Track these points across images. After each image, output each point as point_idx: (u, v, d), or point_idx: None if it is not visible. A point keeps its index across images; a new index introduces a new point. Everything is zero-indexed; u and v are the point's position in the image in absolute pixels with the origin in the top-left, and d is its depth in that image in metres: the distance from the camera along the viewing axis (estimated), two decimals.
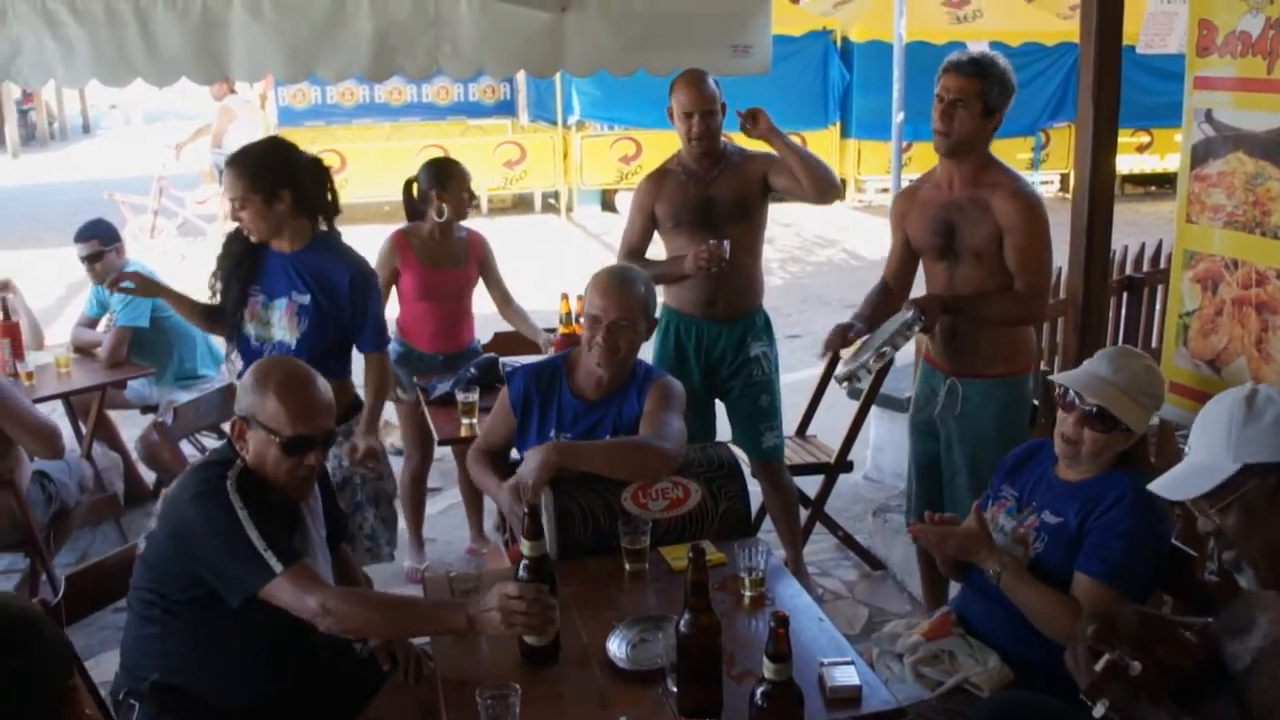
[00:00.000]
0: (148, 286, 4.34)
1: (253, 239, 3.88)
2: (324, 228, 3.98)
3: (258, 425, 2.70)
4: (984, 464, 3.74)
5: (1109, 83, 3.75)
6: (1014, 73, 3.69)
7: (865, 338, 3.92)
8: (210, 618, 2.63)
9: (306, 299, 3.85)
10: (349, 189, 14.07)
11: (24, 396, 4.60)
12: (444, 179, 4.89)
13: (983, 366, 3.83)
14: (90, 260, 5.66)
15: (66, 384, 5.45)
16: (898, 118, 11.34)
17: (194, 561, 2.63)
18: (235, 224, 3.92)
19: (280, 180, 3.77)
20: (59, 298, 10.31)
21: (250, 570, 2.56)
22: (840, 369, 3.92)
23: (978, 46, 4.32)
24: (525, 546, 2.54)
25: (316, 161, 3.97)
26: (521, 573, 2.53)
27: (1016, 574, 2.79)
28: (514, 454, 3.57)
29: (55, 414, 5.08)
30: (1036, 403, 4.02)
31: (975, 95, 3.63)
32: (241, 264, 3.92)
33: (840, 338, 3.94)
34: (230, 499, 2.61)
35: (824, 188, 4.40)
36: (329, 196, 3.98)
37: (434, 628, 2.67)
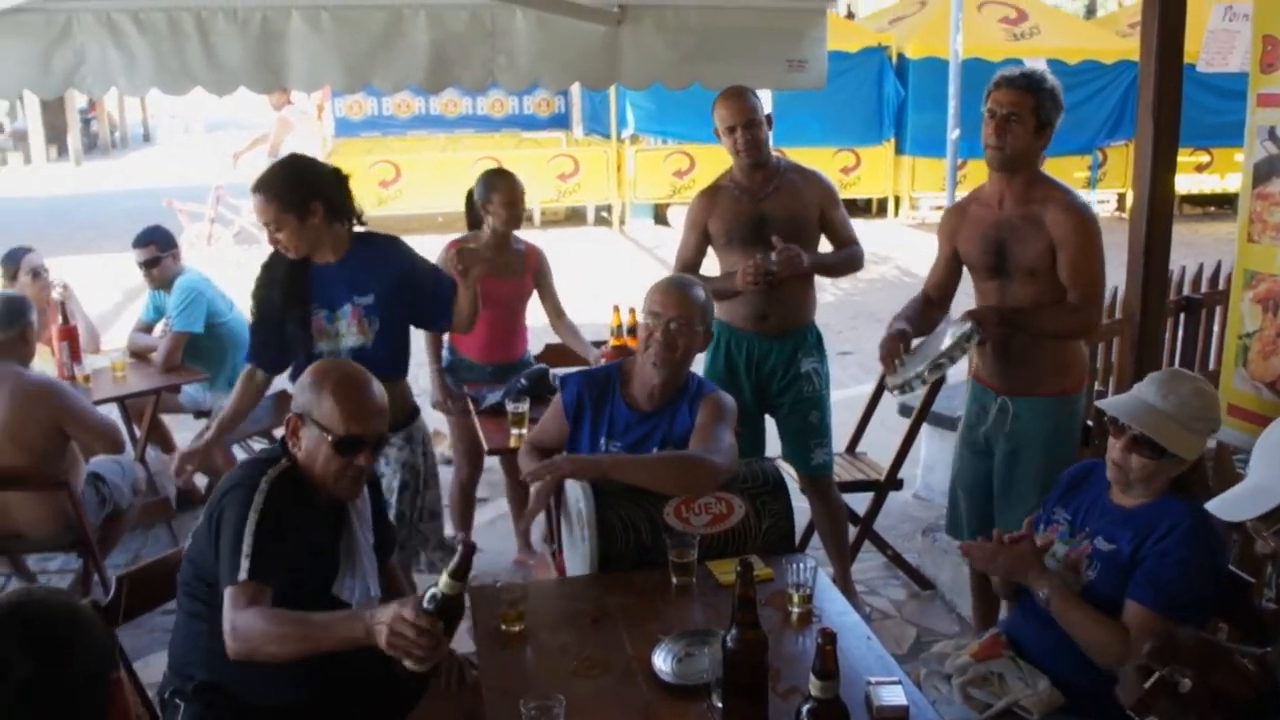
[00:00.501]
0: None
1: (293, 257, 3.82)
2: (358, 230, 3.92)
3: (312, 423, 2.74)
4: (1034, 483, 3.70)
5: (1169, 101, 3.71)
6: (1063, 89, 3.66)
7: (917, 344, 3.89)
8: None
9: (370, 299, 3.82)
10: (403, 200, 14.24)
11: (84, 398, 4.69)
12: (495, 190, 4.92)
13: (1035, 384, 3.78)
14: (147, 265, 5.74)
15: (122, 388, 5.52)
16: (953, 134, 11.31)
17: (214, 545, 2.67)
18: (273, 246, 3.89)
19: (309, 194, 3.72)
20: (117, 303, 10.45)
21: (228, 568, 2.58)
22: (892, 378, 3.88)
23: (1035, 64, 4.30)
24: (444, 583, 2.34)
25: (336, 171, 3.93)
26: (427, 602, 2.34)
27: (1066, 598, 2.74)
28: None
29: (110, 417, 5.14)
30: (1090, 422, 3.98)
31: (1028, 110, 3.59)
32: (292, 286, 3.87)
33: (897, 346, 3.91)
34: (255, 496, 2.65)
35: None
36: (353, 201, 3.91)
37: (333, 641, 2.49)
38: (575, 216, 15.94)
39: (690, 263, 4.59)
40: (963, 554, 3.02)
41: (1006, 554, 2.83)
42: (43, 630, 1.59)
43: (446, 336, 5.05)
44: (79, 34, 4.42)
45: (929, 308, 4.06)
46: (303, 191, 3.70)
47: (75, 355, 5.32)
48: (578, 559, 3.28)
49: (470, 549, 2.34)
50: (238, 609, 2.52)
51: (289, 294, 3.83)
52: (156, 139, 32.20)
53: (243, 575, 2.55)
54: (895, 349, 3.85)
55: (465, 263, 3.80)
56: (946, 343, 3.67)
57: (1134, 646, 2.50)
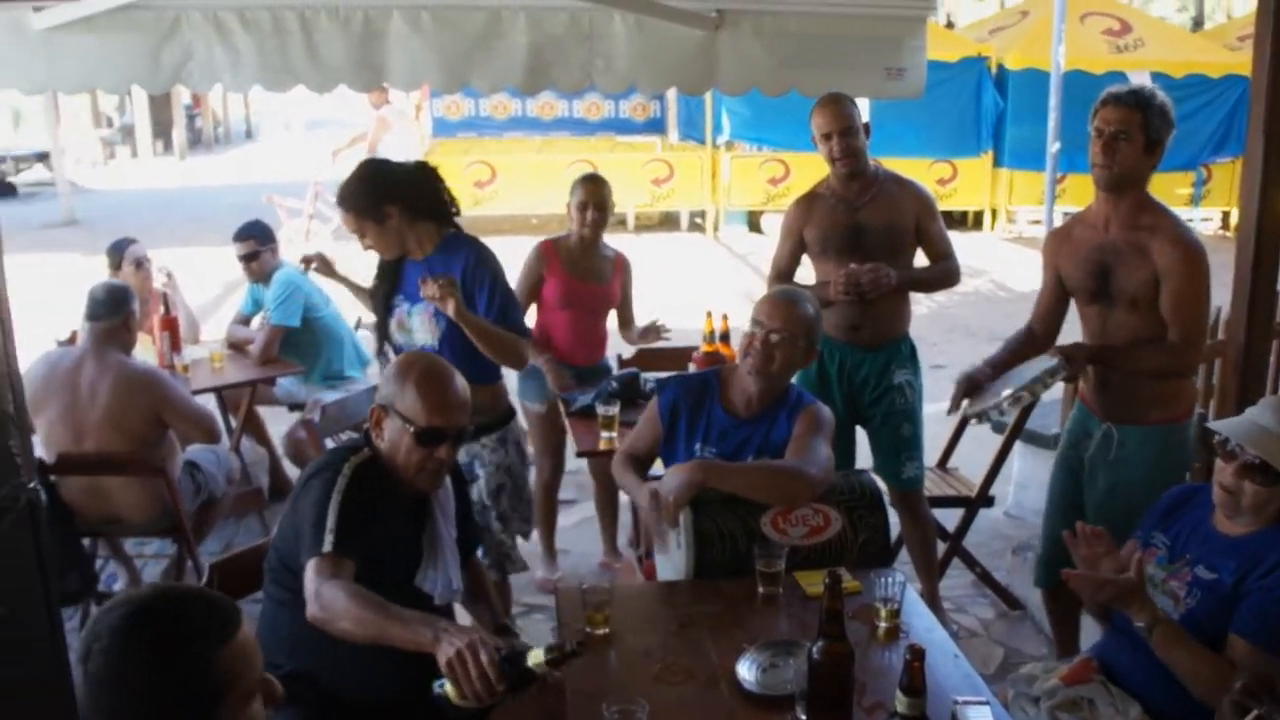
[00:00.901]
0: (327, 269, 4.44)
1: (386, 258, 3.95)
2: (450, 229, 3.94)
3: (394, 414, 2.78)
4: (1132, 512, 3.61)
5: None
6: (1173, 106, 3.56)
7: (1006, 374, 3.82)
8: None
9: None
10: (498, 200, 14.33)
11: (183, 387, 4.79)
12: (578, 194, 5.00)
13: (1140, 413, 3.66)
14: (247, 259, 5.84)
15: (219, 378, 5.62)
16: (1053, 147, 11.13)
17: (294, 531, 2.71)
18: None
19: (382, 198, 3.78)
20: (216, 295, 10.66)
21: (310, 541, 2.61)
22: (971, 406, 3.82)
23: (1139, 77, 4.23)
24: (534, 656, 2.29)
25: (418, 168, 3.97)
26: (506, 658, 2.29)
27: (1169, 631, 2.64)
28: (656, 468, 3.55)
29: (207, 407, 5.23)
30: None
31: (1138, 128, 3.48)
32: (387, 277, 3.99)
33: (969, 387, 3.86)
34: (339, 479, 2.70)
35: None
36: (445, 194, 3.96)
37: (401, 638, 2.47)
38: (669, 221, 15.94)
39: (785, 270, 4.56)
40: (1063, 579, 2.93)
41: (1112, 585, 2.75)
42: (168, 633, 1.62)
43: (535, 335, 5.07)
44: (187, 31, 4.51)
45: (1032, 342, 3.97)
46: (375, 197, 3.78)
47: (175, 345, 5.42)
48: (670, 565, 3.27)
49: (577, 651, 2.30)
50: (323, 578, 2.54)
51: (382, 283, 3.99)
52: (259, 135, 32.82)
53: (327, 548, 2.59)
54: (963, 392, 3.85)
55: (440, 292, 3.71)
56: (1031, 375, 3.60)
57: (1231, 683, 2.43)
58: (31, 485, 1.03)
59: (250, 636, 1.69)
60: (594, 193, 4.97)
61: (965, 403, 3.85)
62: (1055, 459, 4.03)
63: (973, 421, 3.92)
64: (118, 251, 5.71)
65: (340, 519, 2.63)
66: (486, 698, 2.28)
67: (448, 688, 2.32)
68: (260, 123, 34.27)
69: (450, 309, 3.64)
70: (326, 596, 2.52)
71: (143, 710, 1.57)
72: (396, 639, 2.45)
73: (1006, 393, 3.63)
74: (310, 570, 2.57)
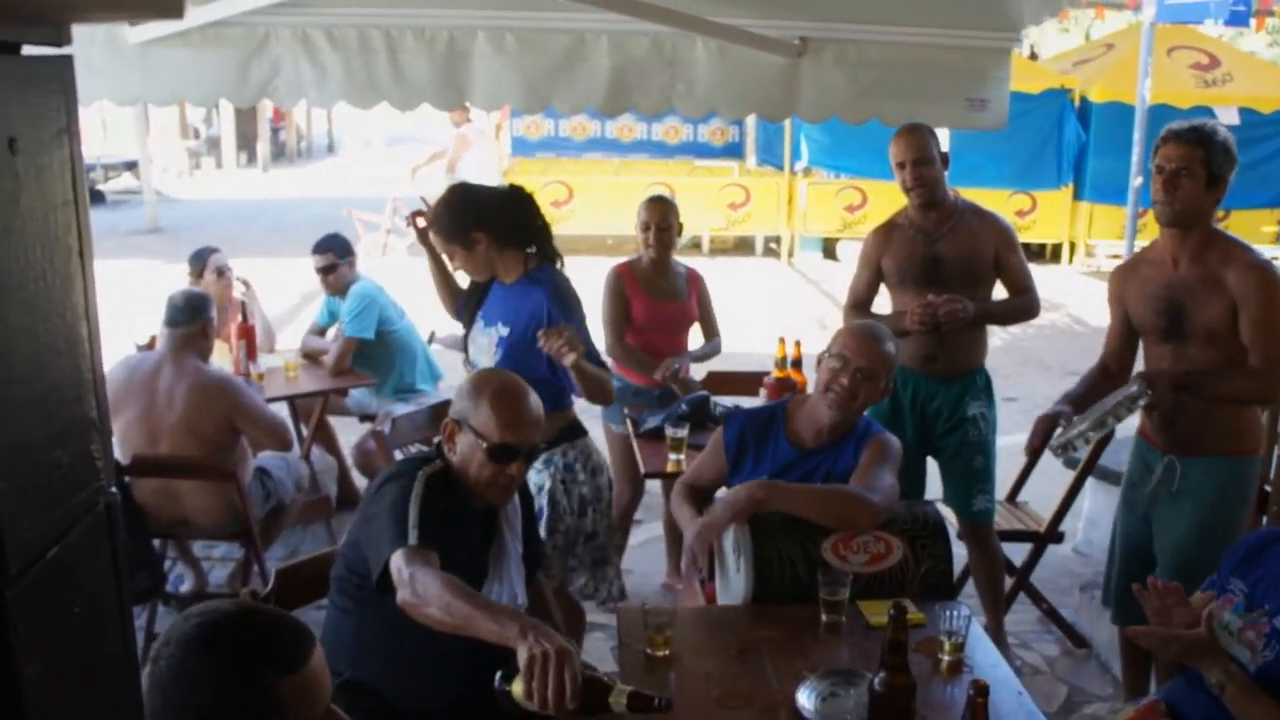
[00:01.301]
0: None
1: (477, 279, 4.01)
2: (538, 256, 3.95)
3: (468, 429, 2.81)
4: (1196, 547, 3.55)
5: None
6: (1255, 140, 3.49)
7: (1089, 410, 3.77)
8: (402, 616, 2.67)
9: (506, 332, 3.91)
10: (574, 220, 14.39)
11: (257, 395, 4.86)
12: (643, 214, 5.03)
13: (1207, 445, 3.62)
14: (324, 271, 5.93)
15: (293, 387, 5.70)
16: (1135, 181, 10.97)
17: (364, 535, 2.74)
18: None
19: (470, 225, 3.81)
20: (293, 305, 10.81)
21: (391, 537, 2.62)
22: (1056, 438, 3.78)
23: (1226, 112, 4.16)
24: (617, 695, 2.22)
25: (509, 194, 3.99)
26: (592, 676, 2.27)
27: (1243, 688, 2.55)
28: (720, 493, 3.55)
29: (280, 415, 5.30)
30: (1269, 489, 3.80)
31: (1199, 164, 3.44)
32: (475, 295, 4.04)
33: (1046, 430, 3.82)
34: (415, 484, 2.72)
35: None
36: (536, 221, 3.97)
37: (487, 628, 2.42)
38: (744, 246, 15.92)
39: (862, 300, 4.55)
40: (1130, 637, 2.87)
41: (1182, 641, 2.69)
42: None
43: (610, 361, 5.06)
44: (275, 47, 4.60)
45: (1107, 380, 3.91)
46: (463, 223, 3.83)
47: (251, 353, 5.51)
48: (729, 590, 3.26)
49: (661, 708, 2.21)
50: (414, 565, 2.54)
51: (469, 298, 4.07)
52: (340, 150, 33.28)
53: (412, 540, 2.60)
54: (1041, 435, 3.81)
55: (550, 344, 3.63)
56: (1112, 402, 3.56)
57: None
58: (110, 489, 1.06)
59: (319, 672, 1.68)
60: (655, 212, 4.99)
61: (1053, 437, 3.80)
62: (1119, 498, 3.98)
63: (1056, 455, 3.87)
64: (200, 260, 5.82)
65: (420, 516, 2.65)
66: (553, 709, 2.24)
67: (515, 684, 2.27)
68: (341, 138, 34.75)
69: (569, 361, 3.60)
70: (421, 581, 2.51)
71: None
72: (481, 629, 2.41)
73: (1085, 425, 3.59)
74: (399, 559, 2.57)
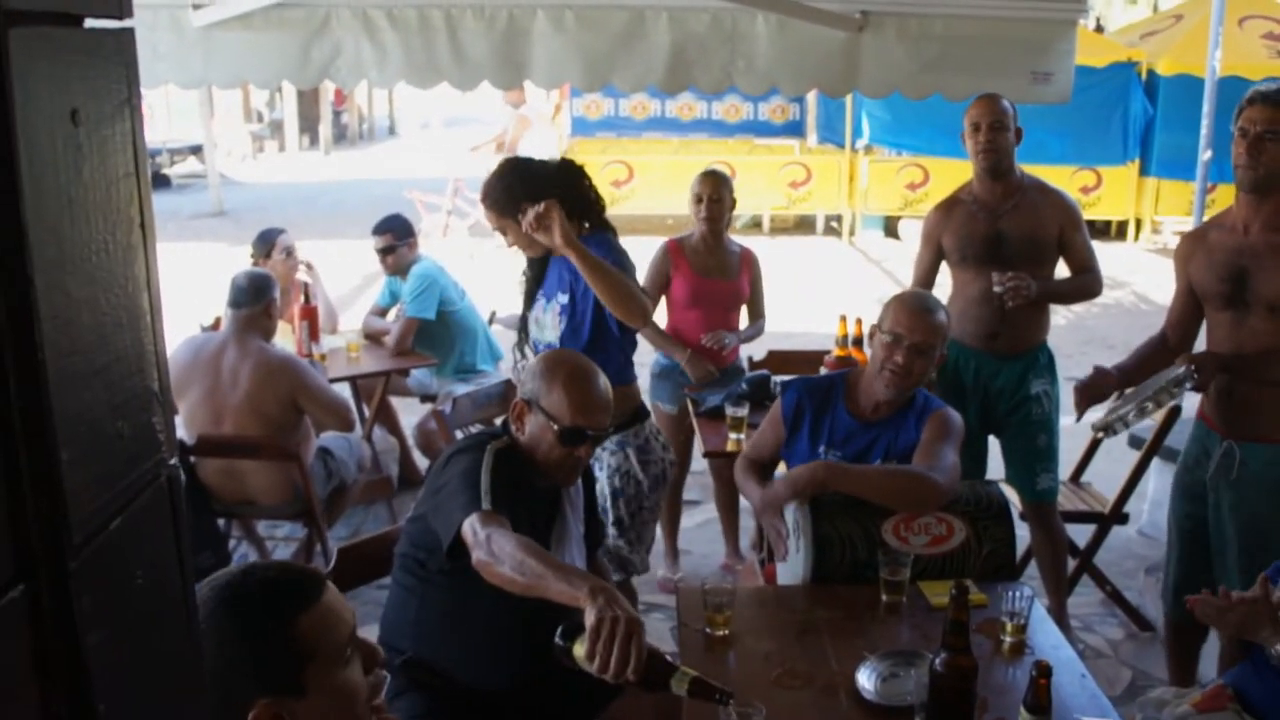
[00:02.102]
0: None
1: (530, 256, 3.93)
2: (591, 226, 3.88)
3: (539, 410, 2.82)
4: (1259, 537, 3.46)
5: None
6: None
7: (1134, 388, 3.69)
8: (464, 593, 2.69)
9: (565, 299, 3.89)
10: (634, 200, 14.40)
11: (320, 375, 4.91)
12: (696, 188, 4.98)
13: (1266, 430, 3.49)
14: (385, 252, 5.96)
15: (355, 368, 5.75)
16: (1204, 156, 10.77)
17: (432, 506, 2.75)
18: None
19: (522, 197, 3.72)
20: (355, 286, 10.90)
21: (465, 502, 2.62)
22: (1098, 418, 3.72)
23: None
24: (680, 677, 2.19)
25: (561, 166, 3.93)
26: (658, 654, 2.23)
27: None
28: (781, 472, 3.54)
29: (343, 396, 5.35)
30: None
31: None
32: (533, 273, 4.01)
33: (1092, 394, 3.74)
34: (485, 456, 2.73)
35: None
36: (589, 194, 3.90)
37: (557, 589, 2.41)
38: (804, 225, 15.84)
39: (924, 280, 4.51)
40: (1189, 607, 2.84)
41: (1238, 611, 2.65)
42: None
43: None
44: (336, 28, 4.63)
45: (1164, 350, 3.81)
46: (515, 196, 3.75)
47: (314, 334, 5.55)
48: (789, 570, 3.25)
49: (721, 699, 2.18)
50: (490, 527, 2.54)
51: (531, 281, 4.00)
52: (399, 132, 33.47)
53: (486, 505, 2.61)
54: (1090, 393, 3.71)
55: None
56: (1158, 384, 3.49)
57: None
58: (172, 462, 1.06)
59: (334, 602, 1.72)
60: (707, 184, 4.95)
61: (1094, 413, 3.74)
62: (1173, 484, 3.90)
63: (1099, 435, 3.81)
64: (266, 241, 5.86)
65: (492, 483, 2.66)
66: (613, 677, 2.19)
67: (577, 644, 2.23)
68: (400, 119, 34.95)
69: (557, 237, 3.52)
70: (496, 540, 2.52)
71: (234, 681, 1.64)
72: (552, 589, 2.40)
73: (1129, 407, 3.54)
74: (474, 521, 2.57)
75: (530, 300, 4.01)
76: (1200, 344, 3.75)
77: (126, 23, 0.95)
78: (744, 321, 5.23)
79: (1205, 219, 10.70)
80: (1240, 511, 3.55)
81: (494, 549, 2.50)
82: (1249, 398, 3.51)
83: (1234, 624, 2.67)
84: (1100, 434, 3.75)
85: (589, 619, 2.22)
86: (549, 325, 3.91)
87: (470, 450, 2.80)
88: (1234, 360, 3.48)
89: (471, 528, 2.58)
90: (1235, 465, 3.54)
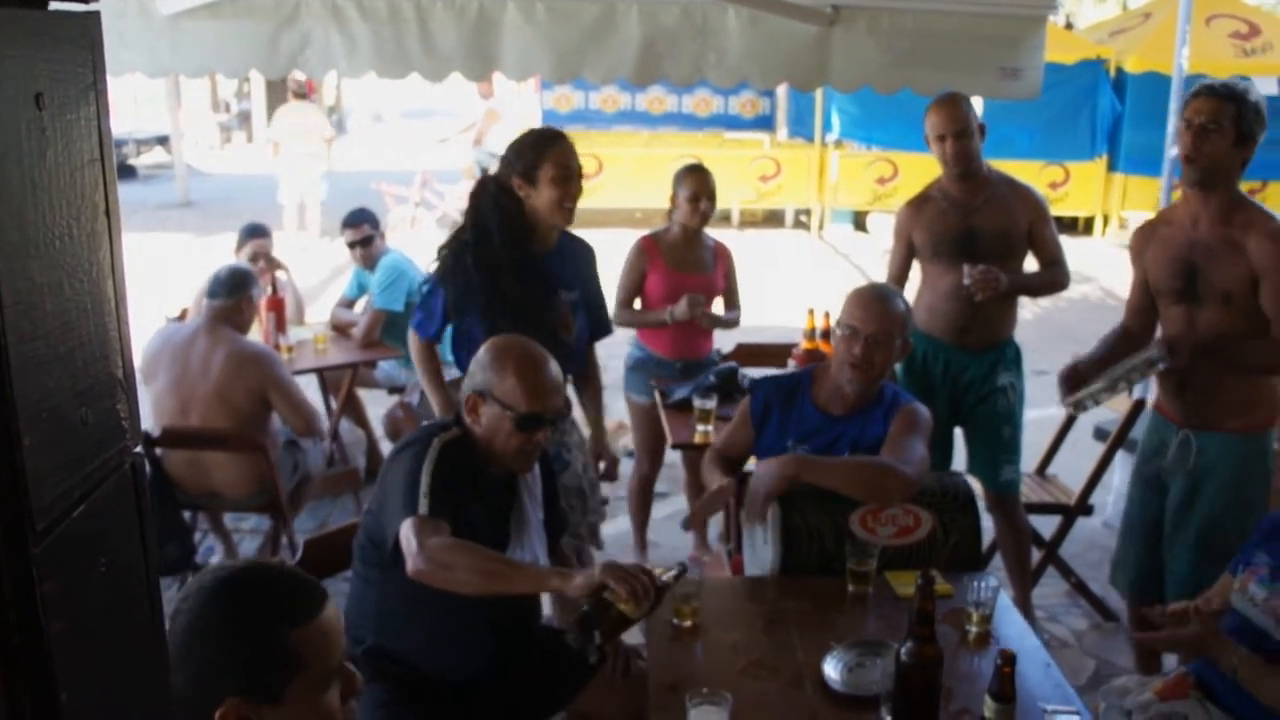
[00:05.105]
0: None
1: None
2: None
3: (493, 400, 2.81)
4: (1213, 528, 3.51)
5: None
6: (1265, 109, 3.44)
7: (1108, 370, 3.73)
8: (423, 583, 2.70)
9: (576, 294, 3.93)
10: (604, 194, 14.39)
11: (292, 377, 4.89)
12: (681, 185, 4.96)
13: (1219, 419, 3.55)
14: (361, 244, 5.94)
15: (322, 359, 5.73)
16: (1171, 152, 10.83)
17: (380, 502, 2.77)
18: None
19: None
20: (322, 278, 10.84)
21: (404, 503, 2.64)
22: (1068, 396, 3.77)
23: (1265, 82, 4.09)
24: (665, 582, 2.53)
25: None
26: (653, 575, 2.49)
27: (1254, 667, 2.58)
28: (752, 465, 3.55)
29: (309, 388, 5.33)
30: None
31: (1230, 120, 3.36)
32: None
33: (1075, 378, 3.77)
34: (429, 452, 2.73)
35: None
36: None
37: (526, 581, 2.64)
38: (774, 219, 15.87)
39: (897, 276, 4.54)
40: (1138, 642, 2.86)
41: (1184, 641, 2.69)
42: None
43: (634, 333, 5.10)
44: (305, 18, 4.60)
45: (1127, 341, 3.85)
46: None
47: (281, 326, 5.53)
48: (757, 561, 3.26)
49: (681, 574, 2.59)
50: (425, 534, 2.57)
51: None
52: (348, 128, 33.19)
53: (423, 510, 2.62)
54: (1071, 382, 3.75)
55: None
56: (1129, 365, 3.53)
57: None
58: (136, 450, 1.06)
59: (332, 625, 1.71)
60: (704, 184, 4.93)
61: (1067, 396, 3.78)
62: (1131, 475, 3.94)
63: (1068, 410, 3.85)
64: (247, 236, 5.86)
65: (432, 485, 2.66)
66: (653, 597, 2.42)
67: (623, 607, 2.40)
68: (351, 112, 34.62)
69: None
70: (436, 547, 2.54)
71: (213, 676, 1.62)
72: (519, 586, 2.59)
73: (1100, 384, 3.59)
74: (408, 528, 2.59)
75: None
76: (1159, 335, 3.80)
77: (92, 6, 0.95)
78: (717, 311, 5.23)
79: None
80: (1194, 503, 3.60)
81: (435, 555, 2.54)
82: (1204, 388, 3.56)
83: (1183, 654, 2.70)
84: (1071, 410, 3.79)
85: (609, 578, 2.40)
86: (553, 321, 3.89)
87: (415, 444, 2.79)
88: (1207, 342, 3.50)
89: (405, 536, 2.60)
90: (1191, 455, 3.59)
